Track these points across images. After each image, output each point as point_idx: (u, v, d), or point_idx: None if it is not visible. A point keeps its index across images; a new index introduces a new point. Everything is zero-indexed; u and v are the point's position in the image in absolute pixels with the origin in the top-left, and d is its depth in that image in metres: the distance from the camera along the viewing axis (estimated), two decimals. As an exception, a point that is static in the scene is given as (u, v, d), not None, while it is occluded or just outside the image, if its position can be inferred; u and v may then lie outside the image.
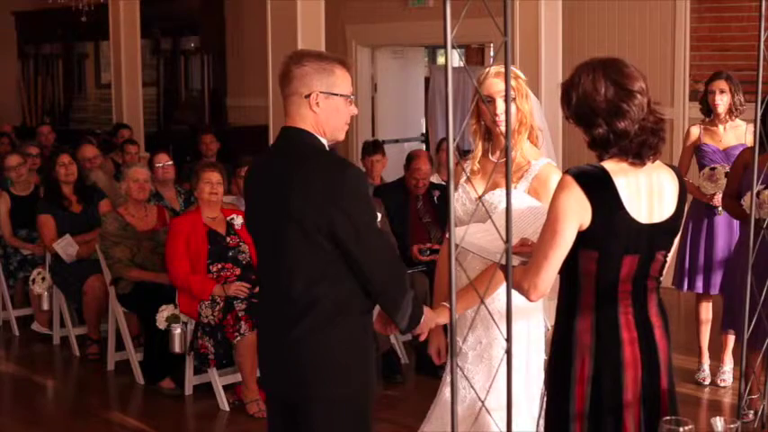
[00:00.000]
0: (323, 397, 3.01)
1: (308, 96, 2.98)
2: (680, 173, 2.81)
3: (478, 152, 3.44)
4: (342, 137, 3.13)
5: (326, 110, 3.00)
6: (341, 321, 2.97)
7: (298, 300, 2.96)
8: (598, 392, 2.69)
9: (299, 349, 2.98)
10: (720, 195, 5.44)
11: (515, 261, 2.74)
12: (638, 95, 2.63)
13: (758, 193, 4.65)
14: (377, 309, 3.08)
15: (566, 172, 2.65)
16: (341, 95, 3.01)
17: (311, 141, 3.01)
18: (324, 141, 3.04)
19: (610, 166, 2.65)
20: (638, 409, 2.70)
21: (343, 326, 2.98)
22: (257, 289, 5.55)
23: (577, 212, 2.59)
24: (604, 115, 2.62)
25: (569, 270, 2.67)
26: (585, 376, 2.69)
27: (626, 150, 2.64)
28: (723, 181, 5.46)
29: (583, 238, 2.62)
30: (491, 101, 3.33)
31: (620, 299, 2.69)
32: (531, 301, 2.76)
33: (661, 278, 2.78)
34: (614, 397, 2.69)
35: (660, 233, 2.70)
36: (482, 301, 2.39)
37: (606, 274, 2.66)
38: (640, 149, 2.65)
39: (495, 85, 3.30)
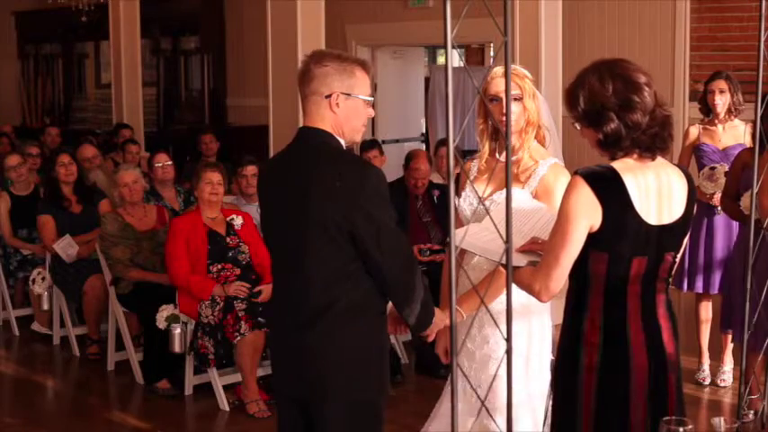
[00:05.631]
0: (339, 397, 3.01)
1: (328, 96, 2.98)
2: (688, 173, 2.80)
3: (485, 152, 3.44)
4: (359, 138, 3.14)
5: (346, 111, 3.00)
6: (357, 322, 2.98)
7: (315, 300, 2.97)
8: (605, 392, 2.69)
9: (315, 350, 2.99)
10: (720, 195, 5.44)
11: (523, 261, 2.74)
12: (646, 87, 2.64)
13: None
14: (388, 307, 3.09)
15: (575, 172, 2.64)
16: (361, 97, 3.02)
17: (331, 141, 3.01)
18: (342, 142, 3.05)
19: (618, 165, 2.65)
20: (644, 409, 2.70)
21: (359, 326, 2.99)
22: (257, 288, 5.60)
23: (587, 213, 2.59)
24: (616, 109, 2.61)
25: (578, 271, 2.66)
26: (593, 376, 2.69)
27: (638, 143, 2.63)
28: (723, 180, 5.46)
29: (593, 239, 2.61)
30: (498, 100, 3.33)
31: (628, 300, 2.68)
32: (542, 302, 2.76)
33: (669, 279, 2.78)
34: (621, 397, 2.69)
35: (669, 234, 2.70)
36: (482, 302, 2.39)
37: (615, 275, 2.66)
38: (652, 141, 2.64)
39: (502, 85, 3.30)
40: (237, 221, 5.84)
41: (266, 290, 5.47)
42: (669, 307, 2.78)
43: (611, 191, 2.61)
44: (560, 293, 2.72)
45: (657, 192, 2.67)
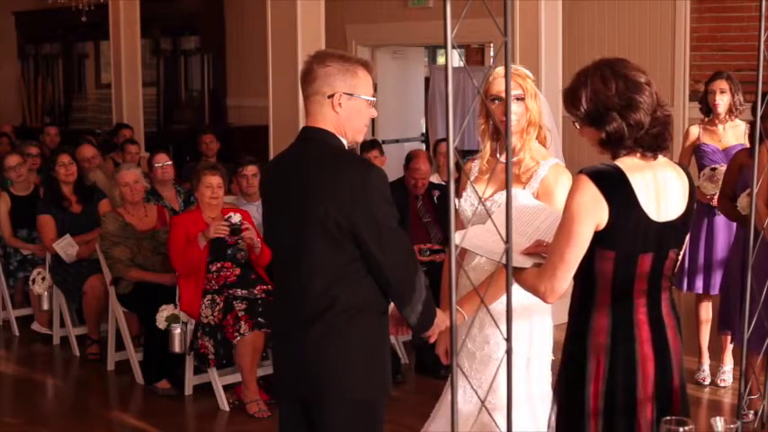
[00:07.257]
0: (340, 397, 3.02)
1: (331, 96, 2.99)
2: (688, 171, 2.80)
3: (486, 152, 3.44)
4: (360, 139, 3.15)
5: (348, 111, 3.01)
6: (358, 321, 2.98)
7: (316, 300, 2.97)
8: (612, 390, 2.68)
9: (316, 349, 2.99)
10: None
11: (528, 263, 2.73)
12: (647, 87, 2.65)
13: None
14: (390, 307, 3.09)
15: (580, 171, 2.63)
16: (363, 98, 3.03)
17: (333, 142, 3.02)
18: (344, 142, 3.05)
19: (622, 163, 2.65)
20: (651, 407, 2.70)
21: (360, 326, 2.99)
22: (257, 288, 5.60)
23: (594, 212, 2.58)
24: (618, 109, 2.62)
25: (585, 270, 2.66)
26: (600, 374, 2.68)
27: (640, 142, 2.64)
28: (723, 181, 5.46)
29: (600, 237, 2.61)
30: (500, 100, 3.33)
31: (635, 298, 2.68)
32: (547, 303, 2.76)
33: (672, 277, 2.78)
34: (628, 395, 2.68)
35: (672, 231, 2.70)
36: (482, 302, 2.39)
37: (623, 273, 2.66)
38: (655, 141, 2.65)
39: (504, 85, 3.30)
40: (235, 219, 5.84)
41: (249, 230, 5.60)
42: (673, 305, 2.78)
43: (617, 189, 2.61)
44: (565, 294, 2.72)
45: (659, 189, 2.67)
